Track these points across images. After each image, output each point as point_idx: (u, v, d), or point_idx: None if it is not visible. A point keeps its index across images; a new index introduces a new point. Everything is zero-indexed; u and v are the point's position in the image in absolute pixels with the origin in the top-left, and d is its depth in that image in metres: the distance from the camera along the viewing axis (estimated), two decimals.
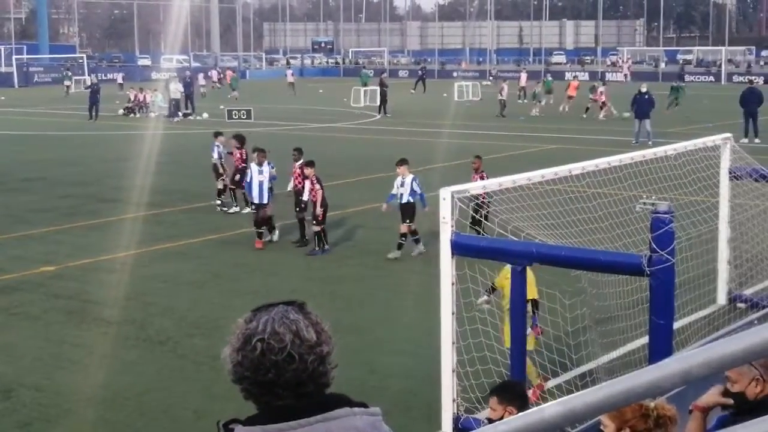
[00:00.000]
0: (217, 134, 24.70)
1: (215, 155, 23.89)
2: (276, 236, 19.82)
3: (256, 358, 2.60)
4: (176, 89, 51.48)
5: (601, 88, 49.03)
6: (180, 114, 50.75)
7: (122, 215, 22.79)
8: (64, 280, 17.07)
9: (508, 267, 11.05)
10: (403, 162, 18.73)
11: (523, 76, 67.31)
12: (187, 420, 10.82)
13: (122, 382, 11.91)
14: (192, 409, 11.07)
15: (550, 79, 57.97)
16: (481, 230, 17.21)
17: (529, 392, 10.28)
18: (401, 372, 12.25)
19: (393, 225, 21.46)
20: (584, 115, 48.07)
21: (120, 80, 76.24)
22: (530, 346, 10.83)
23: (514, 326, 9.97)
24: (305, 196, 19.12)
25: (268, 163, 19.83)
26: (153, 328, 14.23)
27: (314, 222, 18.88)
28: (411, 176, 18.50)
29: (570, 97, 52.34)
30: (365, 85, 72.60)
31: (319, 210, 18.67)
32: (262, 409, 2.65)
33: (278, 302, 2.72)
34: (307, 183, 18.95)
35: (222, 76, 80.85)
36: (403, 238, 18.39)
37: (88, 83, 55.96)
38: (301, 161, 19.63)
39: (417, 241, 18.57)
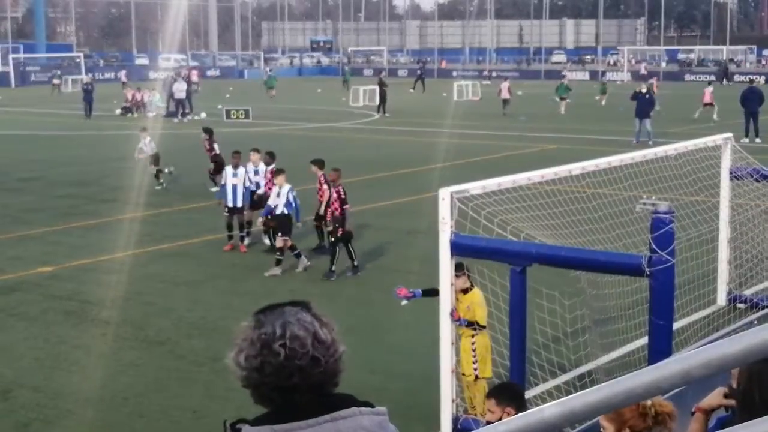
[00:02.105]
0: (143, 129, 28.16)
1: (145, 147, 27.25)
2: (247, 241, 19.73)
3: (279, 363, 2.56)
4: (180, 89, 51.20)
5: (709, 89, 46.45)
6: (179, 114, 50.67)
7: (120, 215, 22.78)
8: (62, 280, 17.06)
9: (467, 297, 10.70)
10: (280, 171, 17.95)
11: (568, 75, 67.43)
12: (186, 420, 10.80)
13: (121, 383, 11.90)
14: (191, 410, 11.06)
15: (565, 83, 57.04)
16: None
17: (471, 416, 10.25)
18: (400, 372, 12.24)
19: (392, 225, 21.53)
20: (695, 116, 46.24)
21: (124, 78, 76.10)
22: (488, 373, 10.59)
23: (513, 327, 9.94)
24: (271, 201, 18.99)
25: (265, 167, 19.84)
26: (152, 328, 14.22)
27: (316, 222, 18.83)
28: (287, 186, 17.66)
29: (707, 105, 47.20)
30: (346, 83, 73.07)
31: (322, 210, 18.61)
32: (270, 409, 2.63)
33: (283, 303, 2.69)
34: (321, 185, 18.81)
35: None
36: (280, 253, 17.61)
37: (85, 82, 55.99)
38: (273, 165, 19.34)
39: (298, 256, 17.71)
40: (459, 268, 10.22)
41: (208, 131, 26.18)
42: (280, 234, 17.57)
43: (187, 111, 51.25)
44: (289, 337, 2.57)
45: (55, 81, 74.84)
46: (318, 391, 2.60)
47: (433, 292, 10.56)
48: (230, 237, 19.27)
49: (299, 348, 2.56)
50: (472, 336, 10.38)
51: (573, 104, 53.61)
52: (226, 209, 19.25)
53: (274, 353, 2.56)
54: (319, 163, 18.79)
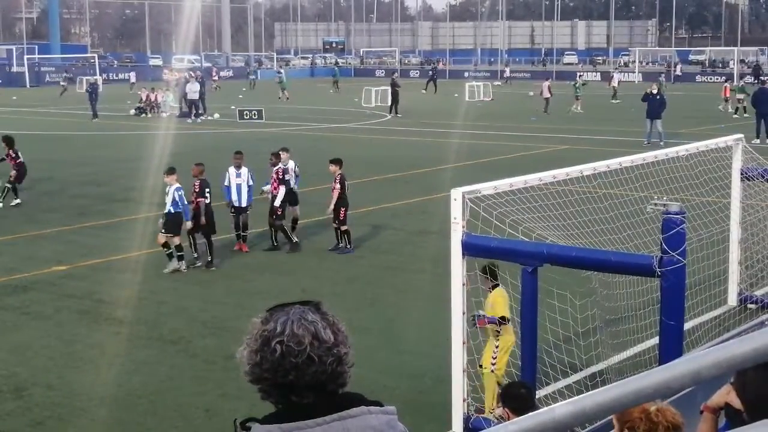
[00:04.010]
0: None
1: None
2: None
3: (275, 360, 2.59)
4: (193, 90, 51.01)
5: None
6: (192, 115, 50.61)
7: (133, 215, 22.83)
8: (76, 279, 17.12)
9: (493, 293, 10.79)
10: (168, 171, 18.00)
11: (616, 77, 67.35)
12: (199, 419, 10.85)
13: (134, 382, 11.96)
14: (204, 408, 11.10)
15: (662, 79, 60.37)
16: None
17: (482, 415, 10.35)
18: (412, 372, 12.26)
19: (404, 225, 21.54)
20: (736, 115, 47.44)
21: (132, 80, 76.29)
22: (501, 371, 10.61)
23: (524, 327, 9.96)
24: (278, 202, 18.98)
25: (295, 164, 19.79)
26: (165, 327, 14.27)
27: (335, 221, 18.89)
28: (175, 186, 17.63)
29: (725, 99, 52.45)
30: (335, 83, 73.78)
31: (330, 209, 18.71)
32: (279, 408, 2.66)
33: (294, 302, 2.72)
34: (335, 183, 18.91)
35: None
36: (179, 250, 17.58)
37: (90, 82, 55.98)
38: (280, 166, 19.36)
39: (171, 257, 17.61)
40: (484, 272, 10.44)
41: (9, 140, 25.41)
42: (169, 232, 17.52)
43: (200, 111, 51.16)
44: (287, 335, 2.60)
45: (62, 83, 74.59)
46: (319, 390, 2.62)
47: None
48: (239, 236, 19.30)
49: (296, 346, 2.59)
50: (498, 333, 10.50)
51: (584, 104, 53.87)
52: (232, 209, 19.23)
53: (272, 350, 2.60)
54: (338, 162, 18.91)
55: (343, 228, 18.93)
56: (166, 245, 17.69)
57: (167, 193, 17.77)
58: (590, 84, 70.50)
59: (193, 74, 56.07)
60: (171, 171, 17.99)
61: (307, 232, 20.22)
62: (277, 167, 19.29)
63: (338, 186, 18.69)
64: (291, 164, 19.76)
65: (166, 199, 17.75)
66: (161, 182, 26.76)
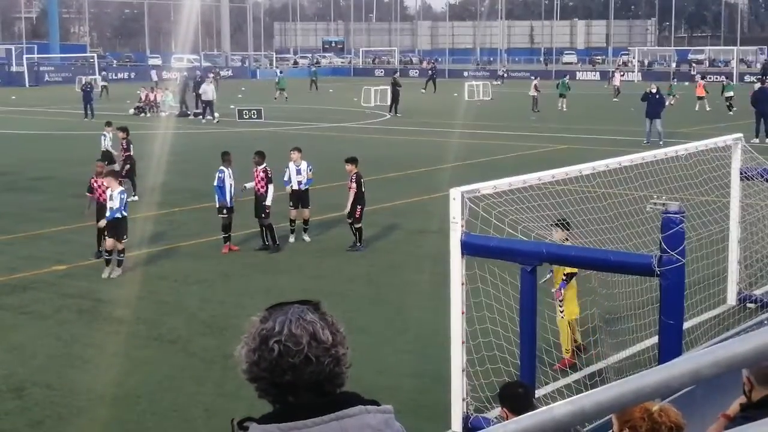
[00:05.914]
0: (107, 124, 27.07)
1: (105, 143, 26.49)
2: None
3: (273, 359, 2.59)
4: (209, 90, 50.13)
5: None
6: (199, 114, 50.38)
7: (133, 215, 22.76)
8: (75, 279, 17.12)
9: None
10: (110, 173, 18.02)
11: (617, 76, 67.47)
12: (198, 419, 10.85)
13: (133, 381, 11.96)
14: (203, 408, 11.10)
15: (675, 83, 61.87)
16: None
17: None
18: (411, 371, 12.26)
19: (403, 225, 21.53)
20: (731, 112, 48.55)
21: (155, 78, 76.10)
22: (573, 315, 11.86)
23: (523, 326, 9.96)
24: (269, 201, 18.87)
25: (308, 165, 19.74)
26: (164, 327, 14.27)
27: (350, 220, 18.91)
28: (119, 189, 17.50)
29: (699, 98, 53.30)
30: (314, 82, 74.05)
31: (347, 209, 18.75)
32: (276, 408, 2.66)
33: (293, 302, 2.73)
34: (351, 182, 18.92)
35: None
36: (107, 253, 17.50)
37: (84, 82, 55.79)
38: (264, 165, 19.19)
39: (119, 263, 17.42)
40: (558, 225, 11.62)
41: (124, 129, 25.76)
42: (116, 237, 17.33)
43: (198, 111, 51.05)
44: (285, 335, 2.60)
45: (102, 82, 72.23)
46: (317, 390, 2.62)
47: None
48: (227, 239, 19.11)
49: (293, 346, 2.59)
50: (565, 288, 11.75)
51: (579, 104, 54.01)
52: (224, 211, 18.94)
53: (270, 349, 2.60)
54: (354, 161, 18.98)
55: (357, 226, 18.93)
56: (123, 251, 17.54)
57: (111, 197, 17.37)
58: (588, 83, 70.59)
59: (208, 75, 56.02)
60: (111, 173, 18.03)
61: (307, 231, 20.21)
62: (262, 166, 19.12)
63: (354, 185, 18.72)
64: (303, 165, 19.67)
65: (111, 204, 17.32)
66: (160, 181, 27.05)
